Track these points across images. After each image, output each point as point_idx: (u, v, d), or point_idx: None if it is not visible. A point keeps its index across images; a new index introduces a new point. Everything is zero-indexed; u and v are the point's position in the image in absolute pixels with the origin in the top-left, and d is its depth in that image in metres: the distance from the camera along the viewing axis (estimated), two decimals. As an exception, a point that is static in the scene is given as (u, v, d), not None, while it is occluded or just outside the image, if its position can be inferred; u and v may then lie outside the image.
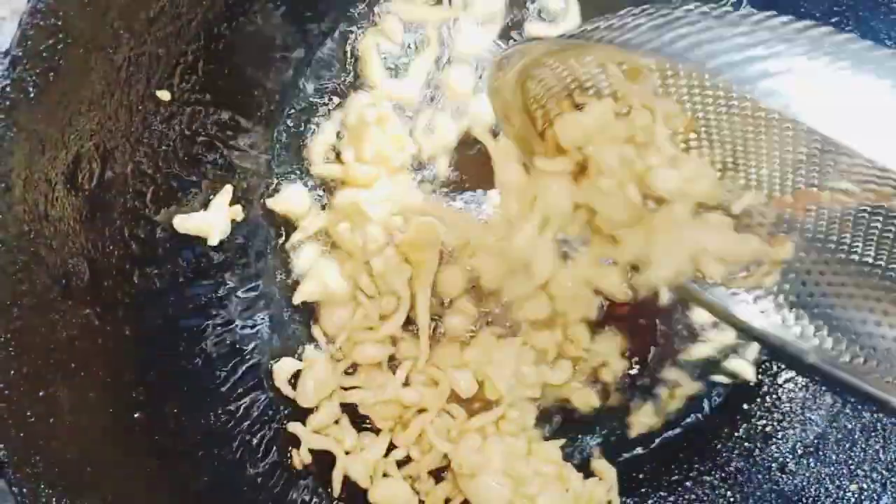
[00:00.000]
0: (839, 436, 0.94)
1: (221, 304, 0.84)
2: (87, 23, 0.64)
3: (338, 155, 0.86)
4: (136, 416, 0.74)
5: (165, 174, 0.77)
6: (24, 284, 0.64)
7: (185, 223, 0.77)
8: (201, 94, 0.78)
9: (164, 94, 0.75)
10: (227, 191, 0.81)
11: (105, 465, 0.71)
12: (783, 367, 0.98)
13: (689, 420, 0.99)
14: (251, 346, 0.86)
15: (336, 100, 0.87)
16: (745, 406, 0.99)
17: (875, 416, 0.92)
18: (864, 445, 0.91)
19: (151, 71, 0.73)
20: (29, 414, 0.64)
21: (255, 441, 0.85)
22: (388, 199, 0.82)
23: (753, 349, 0.97)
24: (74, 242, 0.68)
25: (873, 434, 0.91)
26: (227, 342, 0.84)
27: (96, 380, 0.71)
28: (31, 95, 0.61)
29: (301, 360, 0.87)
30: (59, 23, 0.60)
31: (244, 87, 0.83)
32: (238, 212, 0.82)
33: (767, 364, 0.98)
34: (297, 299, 0.86)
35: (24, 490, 0.62)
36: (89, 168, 0.68)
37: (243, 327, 0.86)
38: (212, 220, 0.79)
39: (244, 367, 0.86)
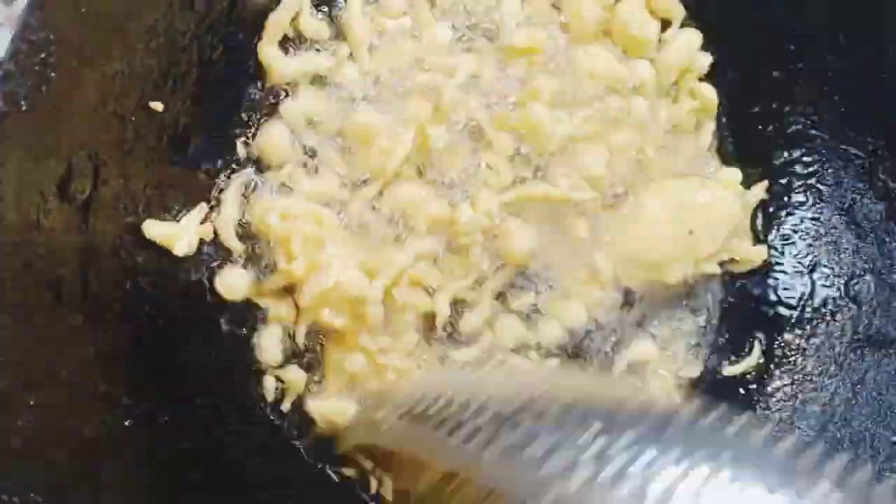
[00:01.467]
0: (828, 445, 0.94)
1: (213, 310, 0.85)
2: (79, 35, 0.64)
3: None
4: (126, 423, 0.74)
5: (158, 185, 0.78)
6: (15, 293, 0.65)
7: (152, 229, 0.77)
8: (194, 105, 0.79)
9: (157, 105, 0.75)
10: (202, 208, 0.81)
11: (96, 473, 0.72)
12: (772, 375, 0.99)
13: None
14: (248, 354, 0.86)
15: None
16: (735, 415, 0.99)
17: (863, 425, 0.92)
18: (852, 456, 0.92)
19: (144, 82, 0.73)
20: (20, 423, 0.64)
21: (251, 450, 0.85)
22: (346, 262, 0.80)
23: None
24: (66, 252, 0.69)
25: (862, 444, 0.91)
26: (222, 348, 0.85)
27: (87, 387, 0.72)
28: (23, 107, 0.61)
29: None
30: (51, 36, 0.61)
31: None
32: (209, 231, 0.82)
33: (756, 372, 0.99)
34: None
35: (15, 499, 0.62)
36: (81, 179, 0.69)
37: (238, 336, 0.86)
38: (179, 232, 0.79)
39: (239, 372, 0.86)
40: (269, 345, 0.85)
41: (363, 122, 0.83)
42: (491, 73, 0.87)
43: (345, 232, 0.84)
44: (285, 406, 0.86)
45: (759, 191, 0.96)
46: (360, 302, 0.80)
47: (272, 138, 0.84)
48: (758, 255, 0.96)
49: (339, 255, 0.80)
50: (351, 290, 0.79)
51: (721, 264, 0.93)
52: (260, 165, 0.84)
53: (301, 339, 0.85)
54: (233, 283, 0.83)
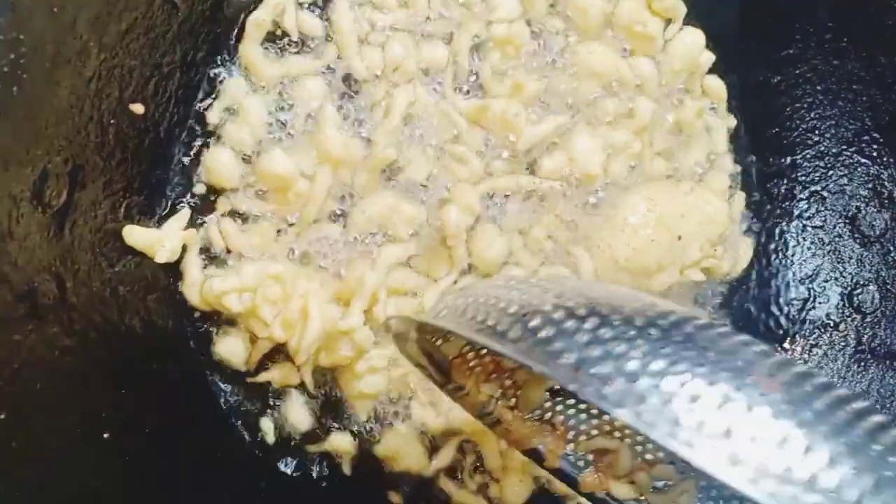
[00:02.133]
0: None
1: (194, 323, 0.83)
2: (52, 36, 0.62)
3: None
4: (105, 436, 0.72)
5: (139, 190, 0.75)
6: (-13, 304, 0.62)
7: (133, 236, 0.75)
8: (178, 107, 0.77)
9: (137, 108, 0.73)
10: (185, 213, 0.79)
11: (72, 487, 0.70)
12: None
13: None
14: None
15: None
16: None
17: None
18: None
19: (124, 84, 0.71)
20: (-9, 437, 0.62)
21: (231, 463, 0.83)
22: (319, 299, 0.78)
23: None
24: (41, 260, 0.66)
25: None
26: (200, 361, 0.83)
27: (64, 399, 0.69)
28: (-7, 110, 0.59)
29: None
30: (22, 36, 0.58)
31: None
32: (193, 236, 0.80)
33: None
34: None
35: (-16, 517, 0.60)
36: (57, 184, 0.66)
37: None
38: (161, 239, 0.77)
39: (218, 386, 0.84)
40: (294, 415, 0.84)
41: (272, 169, 0.80)
42: (466, 61, 0.85)
43: (308, 268, 0.82)
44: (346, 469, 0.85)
45: (740, 202, 0.94)
46: (346, 333, 0.78)
47: (220, 164, 0.80)
48: (745, 257, 0.95)
49: (311, 295, 0.78)
50: (333, 327, 0.78)
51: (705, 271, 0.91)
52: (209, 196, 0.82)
53: (311, 388, 0.83)
54: (228, 348, 0.82)
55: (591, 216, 0.87)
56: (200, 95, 0.79)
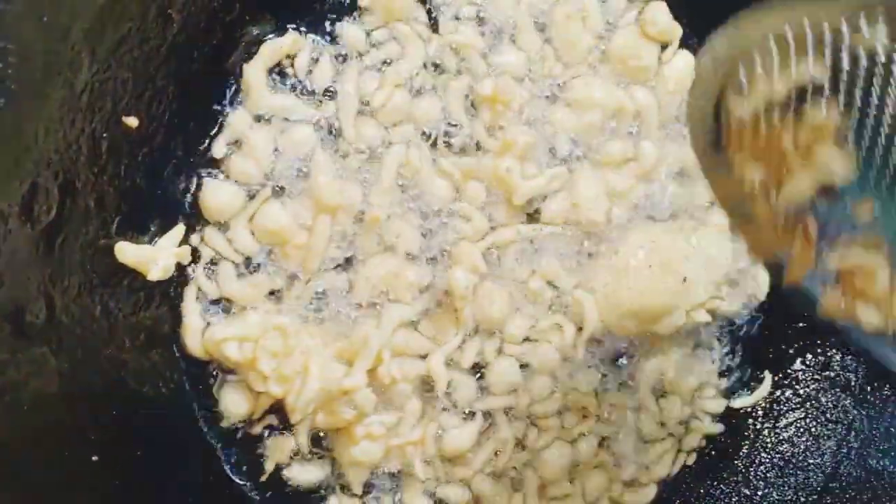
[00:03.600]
0: (843, 483, 0.91)
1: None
2: (43, 45, 0.60)
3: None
4: (93, 458, 0.70)
5: (132, 206, 0.73)
6: (-29, 323, 0.61)
7: (126, 253, 0.73)
8: (172, 120, 0.75)
9: (131, 121, 0.71)
10: (179, 230, 0.77)
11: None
12: (785, 410, 0.94)
13: (688, 462, 0.95)
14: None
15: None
16: (746, 450, 0.95)
17: (880, 463, 0.88)
18: (869, 495, 0.88)
19: (117, 96, 0.69)
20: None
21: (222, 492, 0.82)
22: (321, 356, 0.78)
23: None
24: (29, 278, 0.64)
25: (879, 482, 0.88)
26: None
27: (51, 422, 0.68)
28: (-20, 123, 0.57)
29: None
30: (11, 46, 0.57)
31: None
32: (186, 254, 0.78)
33: (768, 406, 0.95)
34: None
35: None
36: (47, 199, 0.64)
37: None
38: (154, 256, 0.75)
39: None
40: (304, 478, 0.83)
41: (268, 224, 0.79)
42: (461, 116, 0.83)
43: (310, 325, 0.80)
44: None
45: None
46: (347, 393, 0.77)
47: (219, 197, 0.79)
48: (763, 286, 0.92)
49: (313, 352, 0.77)
50: (334, 387, 0.76)
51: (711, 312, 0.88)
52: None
53: (305, 449, 0.82)
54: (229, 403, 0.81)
55: (592, 259, 0.86)
56: (196, 110, 0.77)
